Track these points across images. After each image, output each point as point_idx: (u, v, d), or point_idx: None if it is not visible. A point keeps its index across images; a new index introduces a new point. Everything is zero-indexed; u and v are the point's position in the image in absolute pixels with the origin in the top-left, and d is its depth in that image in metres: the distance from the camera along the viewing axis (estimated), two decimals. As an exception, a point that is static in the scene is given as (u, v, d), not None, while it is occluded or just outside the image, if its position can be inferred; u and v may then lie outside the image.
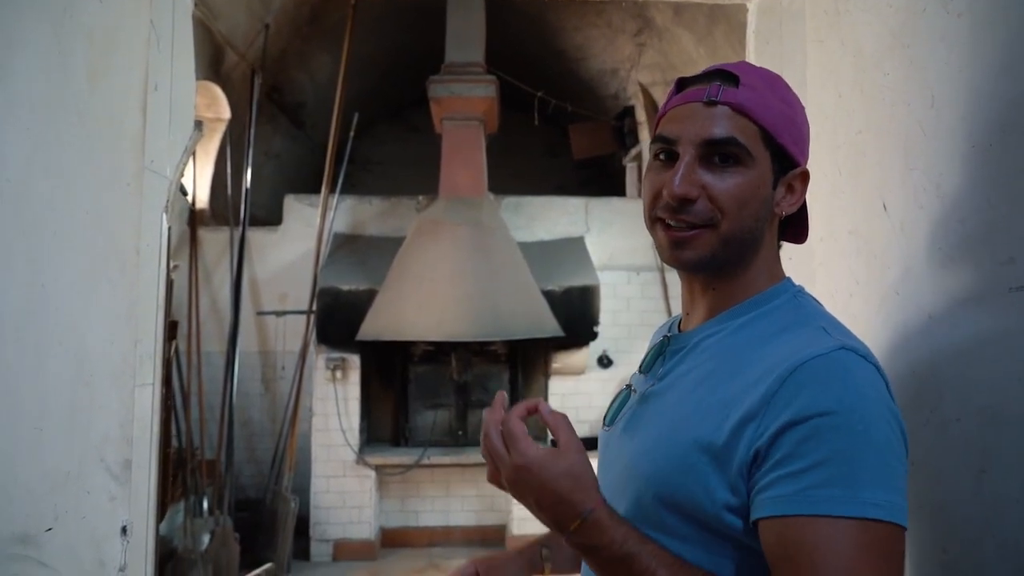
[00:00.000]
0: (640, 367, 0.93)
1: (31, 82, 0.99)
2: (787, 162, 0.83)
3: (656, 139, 0.84)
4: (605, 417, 0.92)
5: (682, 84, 0.85)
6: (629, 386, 0.91)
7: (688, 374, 0.83)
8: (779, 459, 0.69)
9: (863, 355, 0.74)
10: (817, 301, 0.88)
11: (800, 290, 0.87)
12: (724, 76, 0.82)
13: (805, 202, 0.89)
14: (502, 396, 0.81)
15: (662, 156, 0.83)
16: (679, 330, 0.91)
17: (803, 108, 0.87)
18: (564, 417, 0.78)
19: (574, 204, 5.54)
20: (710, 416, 0.76)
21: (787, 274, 0.89)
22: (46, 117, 1.03)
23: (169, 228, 1.46)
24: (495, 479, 0.79)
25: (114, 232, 1.23)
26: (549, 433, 0.78)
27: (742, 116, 0.80)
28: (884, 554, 0.67)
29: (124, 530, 1.25)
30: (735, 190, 0.79)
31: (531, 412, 0.78)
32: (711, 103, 0.80)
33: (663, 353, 0.89)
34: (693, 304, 0.89)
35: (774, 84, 0.84)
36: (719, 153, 0.79)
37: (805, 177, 0.86)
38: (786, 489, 0.69)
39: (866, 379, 0.72)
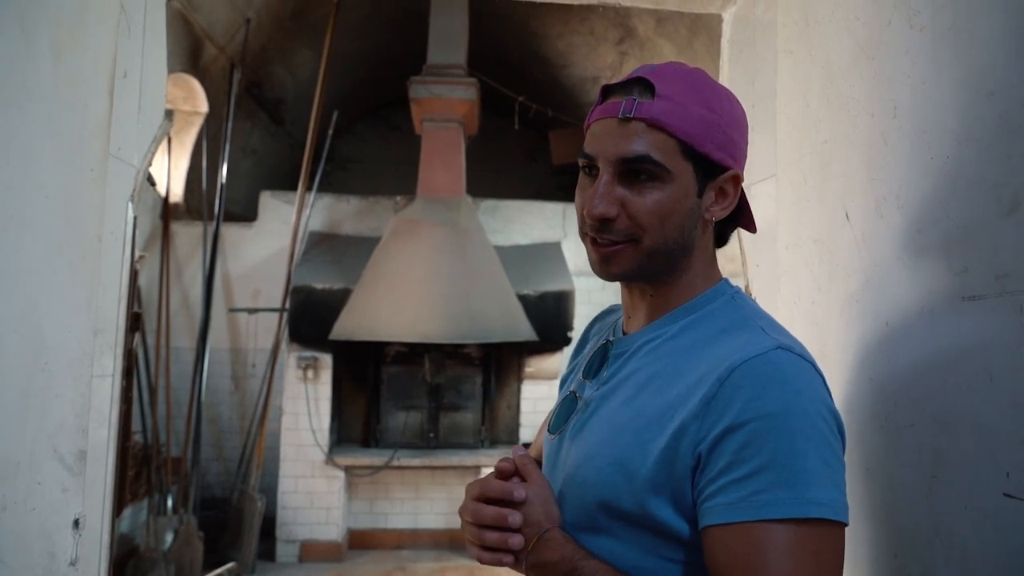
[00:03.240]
0: (583, 372, 0.92)
1: (-10, 58, 0.97)
2: (714, 168, 0.82)
3: (580, 153, 0.84)
4: (549, 424, 0.92)
5: (606, 93, 0.84)
6: (573, 392, 0.91)
7: (630, 378, 0.83)
8: (722, 467, 0.70)
9: (799, 353, 0.75)
10: (754, 302, 0.88)
11: (737, 291, 0.87)
12: (642, 85, 0.80)
13: (744, 196, 0.88)
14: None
15: (587, 169, 0.83)
16: (623, 333, 0.91)
17: (733, 108, 0.84)
18: (526, 455, 0.84)
19: (552, 209, 5.55)
20: (655, 421, 0.76)
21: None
22: (6, 94, 1.00)
23: (135, 218, 1.44)
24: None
25: (75, 218, 1.21)
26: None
27: (658, 130, 0.78)
28: (827, 552, 0.69)
29: (77, 523, 1.23)
30: (654, 207, 0.79)
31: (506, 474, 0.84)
32: (625, 119, 0.79)
33: (606, 358, 0.89)
34: (634, 308, 0.89)
35: (696, 88, 0.81)
36: (635, 170, 0.79)
37: (737, 179, 0.84)
38: (731, 496, 0.69)
39: (801, 378, 0.73)
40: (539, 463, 0.98)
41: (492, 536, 0.77)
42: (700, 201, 0.82)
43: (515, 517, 0.76)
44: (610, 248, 0.81)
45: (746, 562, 0.68)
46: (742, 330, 0.79)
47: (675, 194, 0.80)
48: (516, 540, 0.76)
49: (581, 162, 0.84)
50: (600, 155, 0.80)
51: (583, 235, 0.84)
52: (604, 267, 0.83)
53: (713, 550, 0.71)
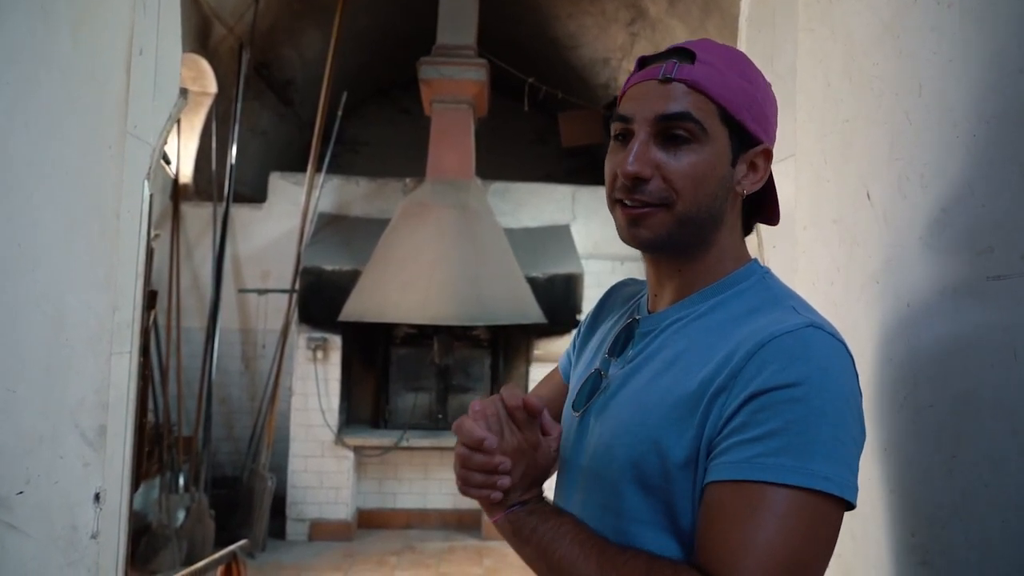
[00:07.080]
0: (609, 349, 0.91)
1: (11, 32, 0.97)
2: (748, 139, 0.82)
3: (615, 117, 0.83)
4: (572, 401, 0.91)
5: (643, 63, 0.84)
6: (598, 370, 0.90)
7: (656, 356, 0.82)
8: (735, 427, 0.70)
9: (830, 332, 0.74)
10: (783, 282, 0.88)
11: (767, 271, 0.86)
12: (681, 53, 0.81)
13: (773, 182, 0.88)
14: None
15: (620, 136, 0.83)
16: (648, 311, 0.90)
17: (767, 86, 0.86)
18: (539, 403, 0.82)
19: (561, 192, 5.53)
20: (686, 399, 0.75)
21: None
22: (27, 71, 1.01)
23: (151, 196, 1.44)
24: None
25: (94, 195, 1.21)
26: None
27: (698, 93, 0.79)
28: (821, 526, 0.68)
29: (97, 497, 1.24)
30: (689, 169, 0.78)
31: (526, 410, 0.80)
32: (666, 80, 0.79)
33: (632, 336, 0.88)
34: (661, 286, 0.88)
35: (734, 61, 0.82)
36: (674, 130, 0.78)
37: (768, 154, 0.84)
38: (736, 456, 0.69)
39: (831, 356, 0.72)
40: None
41: (478, 478, 0.78)
42: (733, 171, 0.82)
43: (504, 464, 0.77)
44: (641, 209, 0.79)
45: (736, 518, 0.67)
46: (773, 309, 0.78)
47: (710, 158, 0.79)
48: (504, 482, 0.77)
49: (614, 127, 0.83)
50: (637, 115, 0.80)
51: (612, 203, 0.83)
52: (633, 229, 0.81)
53: (708, 504, 0.70)
